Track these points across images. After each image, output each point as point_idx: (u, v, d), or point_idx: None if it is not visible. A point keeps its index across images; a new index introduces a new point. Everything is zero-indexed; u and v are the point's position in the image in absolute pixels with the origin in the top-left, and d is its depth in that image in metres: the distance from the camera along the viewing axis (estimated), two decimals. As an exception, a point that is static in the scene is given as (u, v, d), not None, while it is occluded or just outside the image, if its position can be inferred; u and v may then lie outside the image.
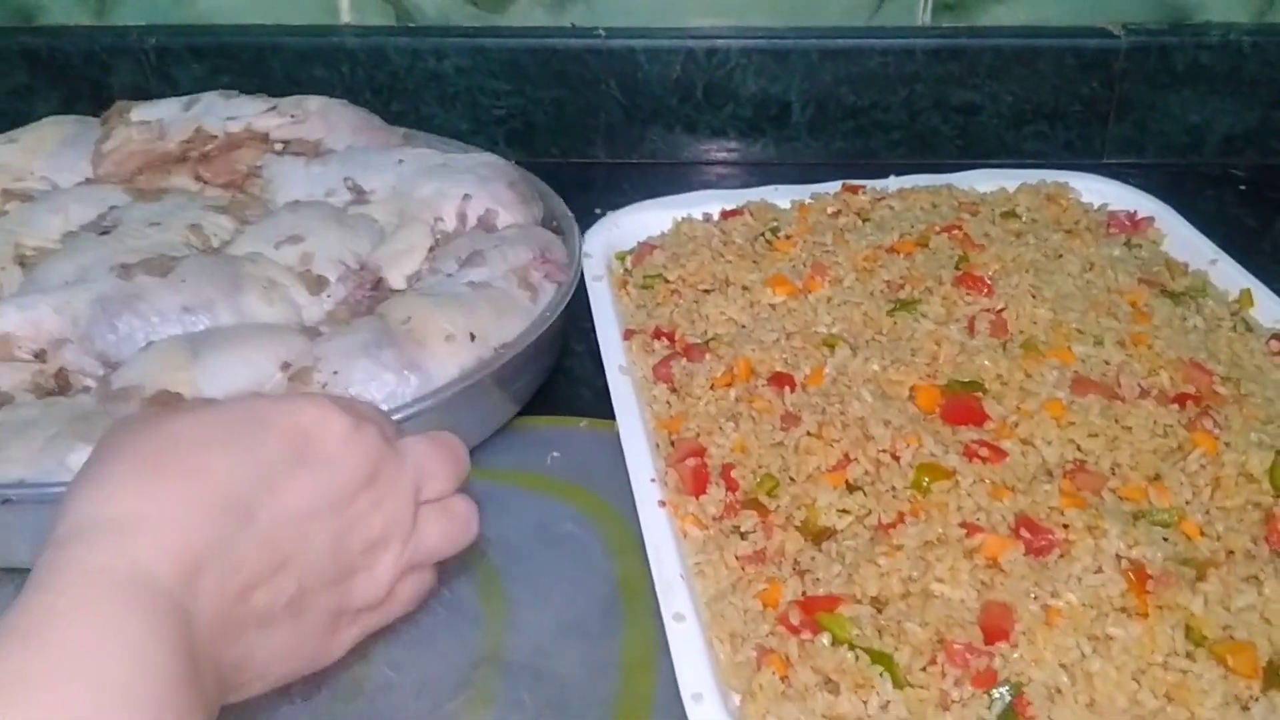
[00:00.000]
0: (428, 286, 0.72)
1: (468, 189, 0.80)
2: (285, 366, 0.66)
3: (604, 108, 0.99)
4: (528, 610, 0.59)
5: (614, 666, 0.56)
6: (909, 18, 0.99)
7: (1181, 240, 0.81)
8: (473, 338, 0.67)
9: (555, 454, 0.69)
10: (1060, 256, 0.75)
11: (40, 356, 0.67)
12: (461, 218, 0.79)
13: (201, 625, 0.41)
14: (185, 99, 0.88)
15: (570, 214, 0.81)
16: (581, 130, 0.89)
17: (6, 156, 0.84)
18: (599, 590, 0.60)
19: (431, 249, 0.77)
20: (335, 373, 0.64)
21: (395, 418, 0.61)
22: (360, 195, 0.82)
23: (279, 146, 0.85)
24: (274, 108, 0.87)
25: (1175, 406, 0.63)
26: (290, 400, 0.50)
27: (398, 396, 0.64)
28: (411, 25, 1.00)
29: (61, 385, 0.66)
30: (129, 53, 1.00)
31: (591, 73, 0.99)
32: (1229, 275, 0.76)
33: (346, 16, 1.01)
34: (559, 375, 0.76)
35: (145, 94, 0.93)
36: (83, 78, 1.00)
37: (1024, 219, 0.81)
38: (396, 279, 0.75)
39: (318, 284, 0.73)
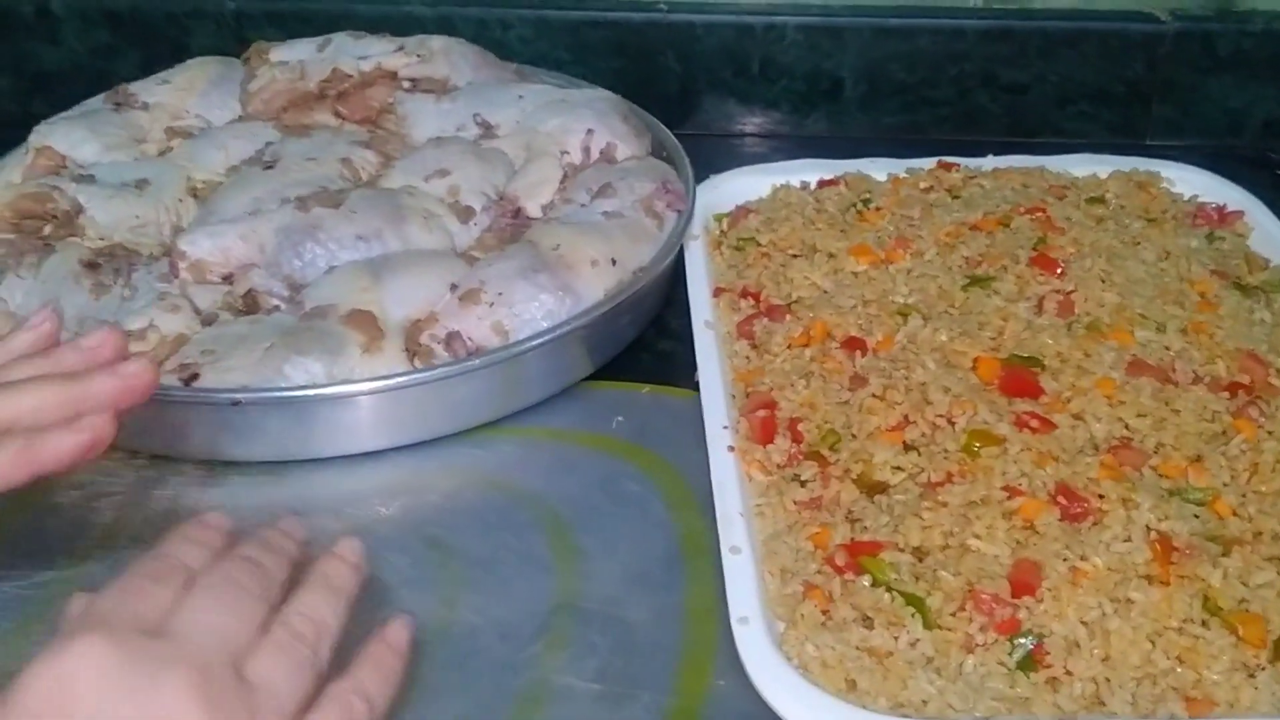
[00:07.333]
0: (567, 215, 0.79)
1: (589, 124, 0.86)
2: (454, 288, 0.72)
3: (661, 79, 1.02)
4: (597, 561, 0.63)
5: (679, 616, 0.59)
6: None
7: (1267, 235, 0.82)
8: (614, 263, 0.74)
9: (620, 418, 0.72)
10: (1138, 244, 0.78)
11: (228, 279, 0.75)
12: (585, 150, 0.85)
13: None
14: (318, 39, 0.93)
15: (679, 144, 0.86)
16: (639, 101, 0.90)
17: (163, 96, 0.90)
18: (662, 543, 0.64)
19: (561, 180, 0.84)
20: (500, 294, 0.71)
21: (555, 334, 0.69)
22: (488, 130, 0.88)
23: (407, 84, 0.91)
24: (401, 48, 0.92)
25: (1226, 394, 0.65)
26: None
27: (555, 315, 0.71)
28: None
29: (249, 306, 0.73)
30: (208, 16, 1.02)
31: (651, 45, 1.01)
32: (1309, 273, 0.77)
33: None
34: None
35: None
36: (163, 39, 1.02)
37: (1110, 205, 0.84)
38: (533, 208, 0.81)
39: (465, 213, 0.80)
